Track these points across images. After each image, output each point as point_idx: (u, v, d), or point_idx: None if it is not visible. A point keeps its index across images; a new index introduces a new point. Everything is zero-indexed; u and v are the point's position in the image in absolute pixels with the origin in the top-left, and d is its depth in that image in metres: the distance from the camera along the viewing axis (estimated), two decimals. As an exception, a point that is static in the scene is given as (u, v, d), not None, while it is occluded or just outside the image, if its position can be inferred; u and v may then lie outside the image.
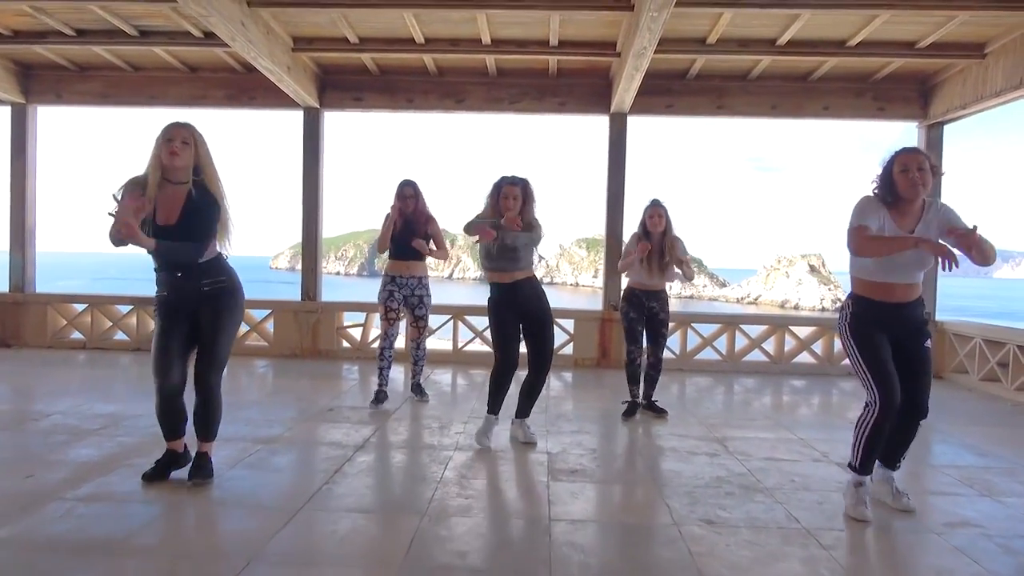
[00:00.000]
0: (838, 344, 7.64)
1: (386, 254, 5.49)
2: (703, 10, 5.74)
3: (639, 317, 5.19)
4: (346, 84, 7.74)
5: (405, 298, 5.37)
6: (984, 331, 6.93)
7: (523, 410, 4.47)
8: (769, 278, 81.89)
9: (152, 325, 7.78)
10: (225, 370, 3.51)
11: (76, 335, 8.11)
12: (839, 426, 5.15)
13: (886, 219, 3.17)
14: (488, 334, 5.05)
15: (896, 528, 3.11)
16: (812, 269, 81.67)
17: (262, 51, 6.13)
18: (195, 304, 3.35)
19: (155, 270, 3.36)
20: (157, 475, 3.42)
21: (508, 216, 4.11)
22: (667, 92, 7.55)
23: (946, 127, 7.48)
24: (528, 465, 3.98)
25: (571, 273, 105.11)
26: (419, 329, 5.53)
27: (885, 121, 7.66)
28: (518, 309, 4.28)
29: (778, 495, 3.51)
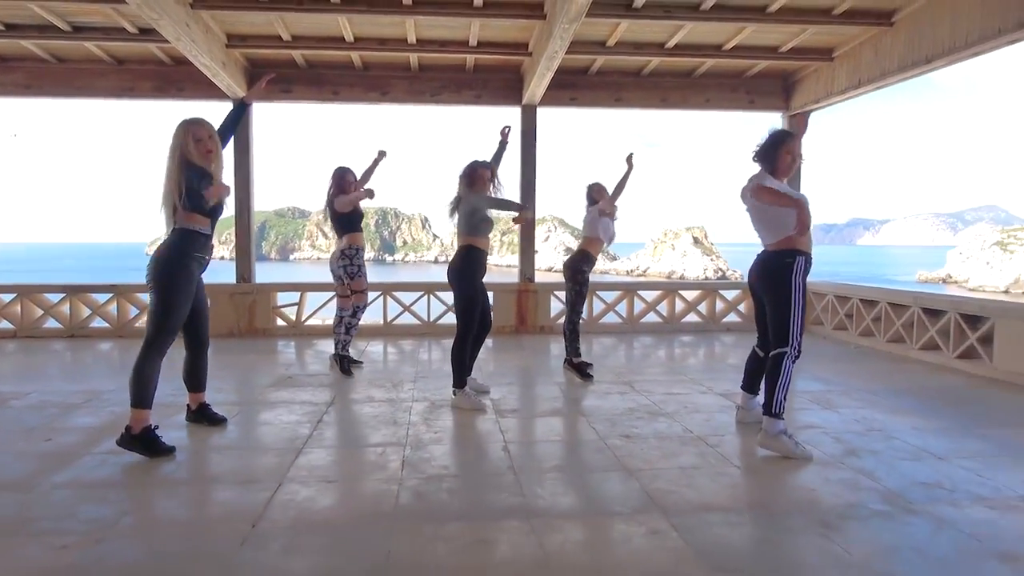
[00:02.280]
0: (720, 304, 8.94)
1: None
2: (605, 20, 6.65)
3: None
4: (275, 77, 8.17)
5: (359, 267, 5.94)
6: (835, 289, 8.33)
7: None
8: (656, 251, 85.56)
9: (84, 312, 8.09)
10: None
11: (5, 324, 8.22)
12: (720, 369, 6.29)
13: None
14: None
15: (758, 433, 4.17)
16: (696, 241, 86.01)
17: (202, 49, 6.55)
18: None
19: (193, 250, 3.84)
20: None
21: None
22: (571, 87, 8.46)
23: (770, 128, 8.81)
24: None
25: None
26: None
27: (756, 112, 8.90)
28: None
29: (676, 417, 4.53)
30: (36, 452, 3.80)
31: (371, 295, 8.47)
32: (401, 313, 8.56)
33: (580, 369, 5.84)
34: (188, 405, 4.37)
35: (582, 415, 4.62)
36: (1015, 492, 3.19)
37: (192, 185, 3.73)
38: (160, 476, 3.44)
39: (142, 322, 8.35)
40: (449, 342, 5.11)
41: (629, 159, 6.11)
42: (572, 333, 6.00)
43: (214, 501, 3.13)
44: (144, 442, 3.66)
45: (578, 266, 5.93)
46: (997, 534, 2.76)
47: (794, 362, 3.83)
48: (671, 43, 7.42)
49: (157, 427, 3.75)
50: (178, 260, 3.78)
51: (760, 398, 4.29)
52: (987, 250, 61.08)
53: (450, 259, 5.00)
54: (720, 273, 75.51)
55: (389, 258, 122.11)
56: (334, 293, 8.52)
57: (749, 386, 4.40)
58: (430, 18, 6.64)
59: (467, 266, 4.85)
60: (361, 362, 6.46)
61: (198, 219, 3.85)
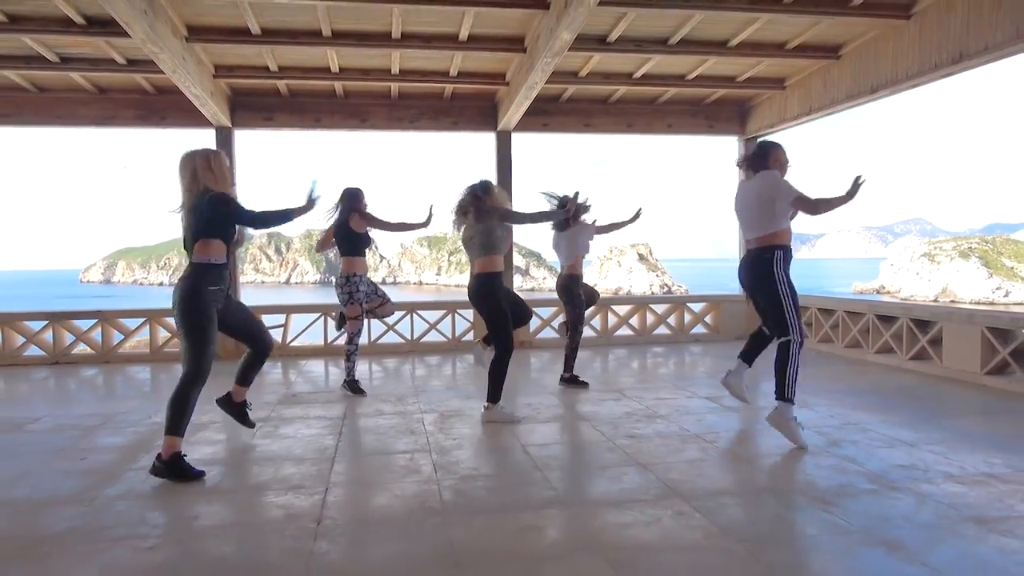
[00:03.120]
0: (688, 317, 9.46)
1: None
2: (581, 53, 7.13)
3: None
4: (257, 105, 8.41)
5: (366, 294, 6.11)
6: (793, 300, 8.94)
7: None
8: (603, 268, 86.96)
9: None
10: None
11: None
12: (697, 376, 6.76)
13: None
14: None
15: (749, 429, 4.62)
16: (641, 258, 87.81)
17: (195, 80, 6.76)
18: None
19: (207, 284, 3.88)
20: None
21: None
22: (543, 113, 8.90)
23: (759, 140, 9.46)
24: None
25: (414, 272, 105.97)
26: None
27: (714, 136, 9.53)
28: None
29: (671, 419, 4.95)
30: (78, 470, 3.97)
31: (398, 315, 8.75)
32: (385, 332, 8.80)
33: (576, 381, 6.22)
34: (230, 393, 4.54)
35: (585, 420, 4.99)
36: (978, 470, 3.69)
37: (227, 213, 3.91)
38: (209, 487, 3.66)
39: (127, 347, 8.40)
40: (433, 359, 5.41)
41: (638, 213, 6.54)
42: (575, 351, 6.35)
43: (271, 504, 3.37)
44: (173, 468, 3.71)
45: (570, 287, 6.31)
46: (969, 503, 3.23)
47: (800, 347, 4.22)
48: (638, 73, 7.95)
49: (186, 455, 3.82)
50: (195, 299, 3.80)
51: (748, 370, 4.83)
52: (916, 261, 64.21)
53: (468, 287, 5.14)
54: (666, 288, 77.32)
55: (333, 279, 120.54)
56: (319, 315, 8.77)
57: (745, 356, 4.84)
58: (416, 51, 7.00)
59: (489, 289, 4.96)
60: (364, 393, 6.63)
61: (215, 248, 3.89)
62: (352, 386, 5.98)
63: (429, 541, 2.91)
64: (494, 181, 8.90)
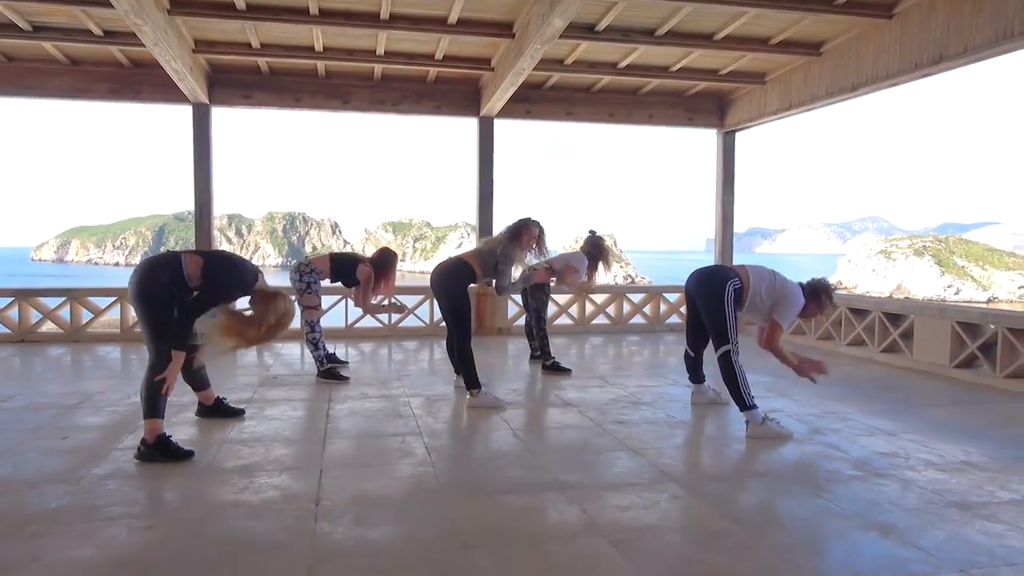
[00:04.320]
0: (663, 307, 9.57)
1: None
2: (568, 41, 7.12)
3: None
4: (236, 82, 8.24)
5: (308, 284, 5.96)
6: (767, 292, 9.11)
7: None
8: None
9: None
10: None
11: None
12: (673, 365, 6.84)
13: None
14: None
15: (733, 415, 4.70)
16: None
17: (175, 54, 6.59)
18: None
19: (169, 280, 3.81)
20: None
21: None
22: (526, 100, 8.88)
23: (737, 134, 9.60)
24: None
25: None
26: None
27: (694, 128, 9.63)
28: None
29: (657, 406, 5.02)
30: (60, 449, 3.88)
31: (331, 299, 8.69)
32: (362, 317, 8.73)
33: (557, 367, 6.26)
34: (200, 403, 4.52)
35: (572, 405, 5.03)
36: (956, 458, 3.82)
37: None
38: (201, 468, 3.61)
39: (94, 326, 8.20)
40: (410, 344, 5.38)
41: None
42: (545, 338, 6.42)
43: (268, 485, 3.34)
44: (161, 449, 3.65)
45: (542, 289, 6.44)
46: (951, 489, 3.34)
47: (739, 355, 4.37)
48: (623, 63, 7.99)
49: (171, 436, 3.76)
50: (152, 286, 3.76)
51: (707, 383, 5.04)
52: (872, 258, 65.72)
53: (439, 266, 5.25)
54: (630, 279, 77.92)
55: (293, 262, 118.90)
56: (340, 297, 8.63)
57: (694, 378, 5.09)
58: (403, 32, 6.92)
59: (462, 277, 5.08)
60: (345, 361, 6.62)
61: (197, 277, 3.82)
62: (330, 373, 5.82)
63: (433, 522, 2.92)
64: (476, 168, 8.92)
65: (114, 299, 8.15)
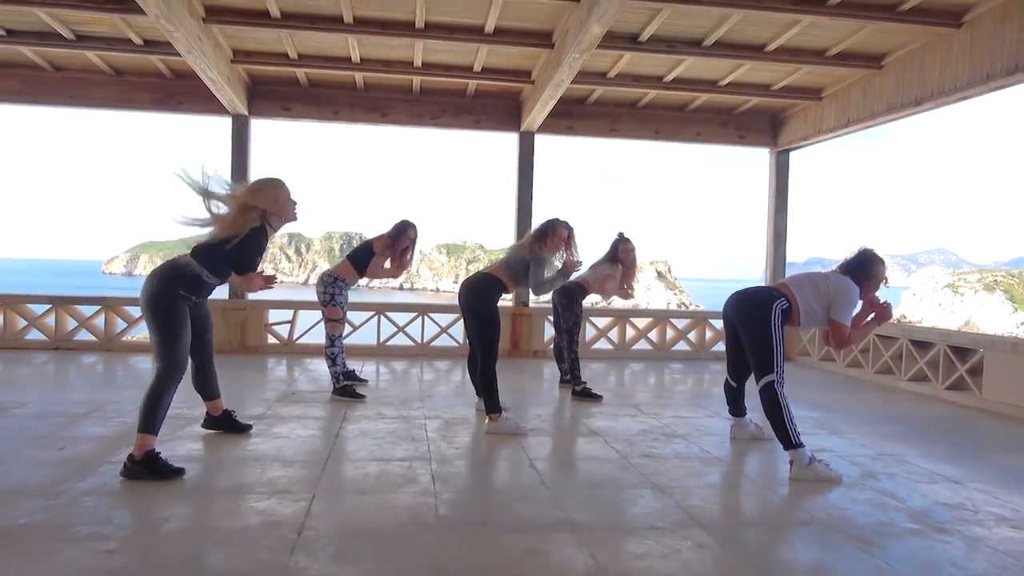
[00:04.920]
0: (708, 333, 9.09)
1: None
2: (610, 52, 6.83)
3: None
4: (275, 94, 8.20)
5: (332, 296, 5.75)
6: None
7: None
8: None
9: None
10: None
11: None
12: (717, 395, 6.34)
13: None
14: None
15: (776, 454, 4.26)
16: (660, 275, 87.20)
17: (210, 63, 6.55)
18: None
19: (180, 288, 3.65)
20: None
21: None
22: (568, 115, 8.62)
23: (791, 153, 9.11)
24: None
25: (431, 279, 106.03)
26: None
27: (744, 147, 9.19)
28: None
29: (691, 439, 4.60)
30: (53, 460, 3.70)
31: (364, 315, 8.52)
32: (395, 334, 8.52)
33: (588, 393, 5.89)
34: (208, 412, 4.32)
35: (598, 435, 4.66)
36: (1033, 512, 3.32)
37: (252, 248, 3.71)
38: (188, 487, 3.38)
39: (128, 336, 8.18)
40: (442, 364, 5.10)
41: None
42: (575, 362, 6.07)
43: (252, 510, 3.08)
44: (149, 466, 3.41)
45: (574, 293, 6.07)
46: (1028, 550, 2.86)
47: (784, 387, 3.91)
48: (669, 77, 7.65)
49: (160, 452, 3.52)
50: (165, 296, 3.59)
51: (749, 416, 4.59)
52: (939, 292, 63.14)
53: (467, 280, 4.97)
54: (683, 307, 76.61)
55: (356, 284, 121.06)
56: (373, 313, 8.47)
57: (735, 411, 4.64)
58: (440, 43, 6.74)
59: (491, 291, 4.78)
60: (365, 380, 6.37)
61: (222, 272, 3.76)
62: (345, 391, 5.56)
63: (419, 560, 2.60)
64: (515, 184, 8.66)
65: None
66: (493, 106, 8.56)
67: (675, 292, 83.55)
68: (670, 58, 7.10)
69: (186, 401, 4.59)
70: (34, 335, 8.05)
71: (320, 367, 7.30)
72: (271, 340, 8.34)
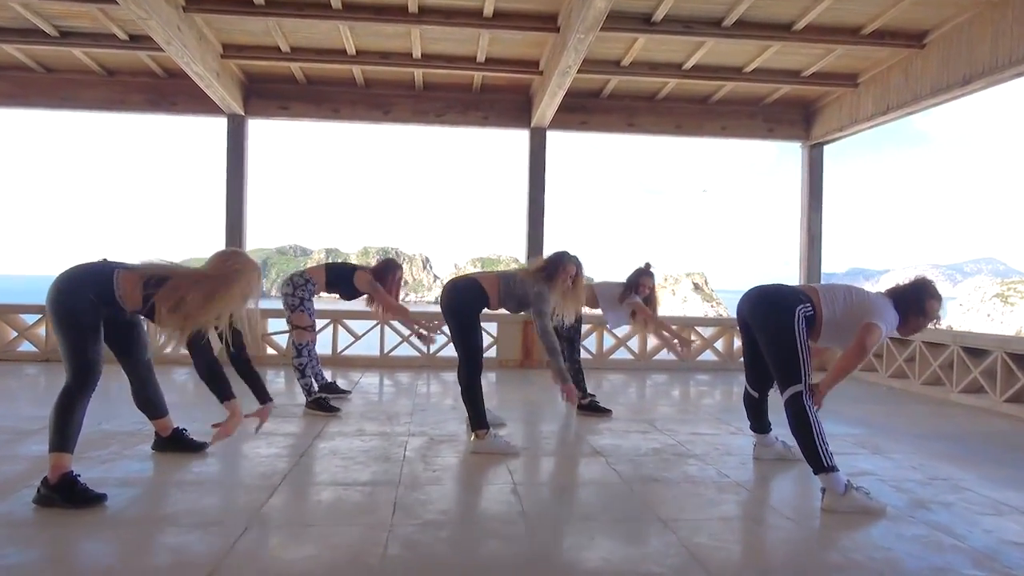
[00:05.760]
0: (737, 342, 8.41)
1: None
2: (621, 34, 6.29)
3: None
4: (272, 92, 7.83)
5: (301, 300, 5.25)
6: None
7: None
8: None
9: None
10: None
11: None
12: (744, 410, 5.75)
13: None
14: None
15: (809, 477, 3.63)
16: (696, 287, 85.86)
17: (195, 56, 6.17)
18: None
19: (89, 292, 3.20)
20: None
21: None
22: (582, 109, 8.09)
23: (826, 147, 8.43)
24: (481, 445, 4.27)
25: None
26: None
27: (774, 141, 8.54)
28: None
29: (707, 459, 3.99)
30: (-33, 484, 3.25)
31: (366, 324, 8.05)
32: (399, 344, 8.02)
33: (594, 407, 5.31)
34: (156, 433, 3.85)
35: (601, 455, 4.07)
36: None
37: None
38: (105, 515, 2.89)
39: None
40: (450, 376, 4.57)
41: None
42: (579, 372, 5.50)
43: (163, 546, 2.58)
44: (64, 491, 2.94)
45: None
46: None
47: (811, 399, 3.29)
48: (689, 64, 7.07)
49: (79, 475, 3.05)
50: (70, 296, 3.14)
51: (774, 433, 3.97)
52: (987, 302, 60.94)
53: (451, 281, 4.44)
54: (729, 317, 75.15)
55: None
56: (328, 321, 8.06)
57: (758, 427, 4.03)
58: (437, 28, 6.28)
59: (470, 299, 4.24)
60: (348, 392, 5.87)
61: (136, 304, 3.23)
62: (319, 404, 5.05)
63: (341, 619, 2.06)
64: (527, 184, 8.13)
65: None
66: (501, 101, 8.06)
67: (712, 304, 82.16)
68: (688, 41, 6.53)
69: (141, 416, 4.12)
70: (25, 346, 7.75)
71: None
72: (270, 351, 7.91)
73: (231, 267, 3.32)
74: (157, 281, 3.22)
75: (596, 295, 5.61)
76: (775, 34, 6.31)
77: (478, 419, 4.09)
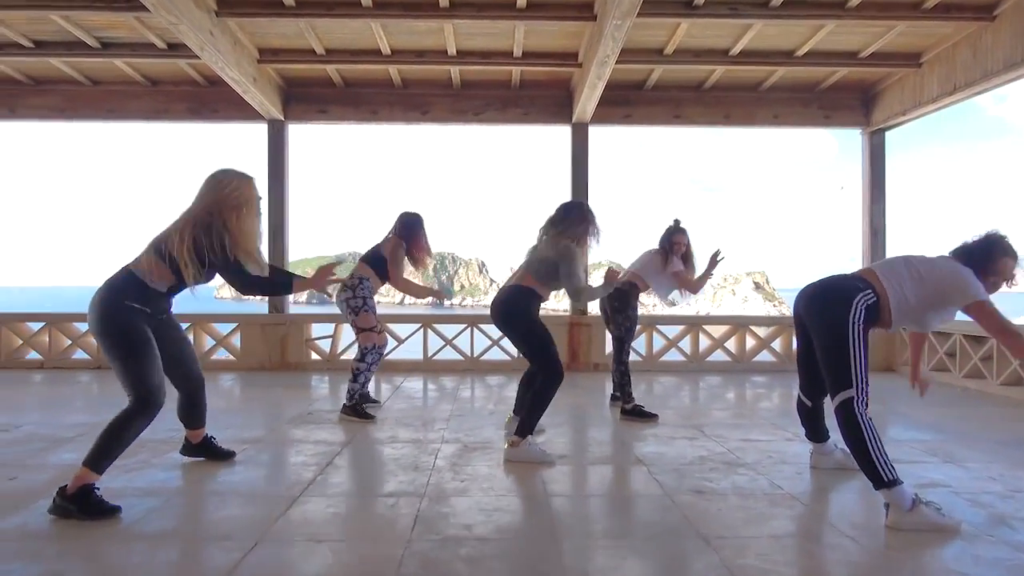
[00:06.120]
0: (796, 342, 7.97)
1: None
2: (662, 20, 6.00)
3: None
4: (311, 97, 7.79)
5: (364, 300, 5.03)
6: (930, 324, 7.31)
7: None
8: (716, 296, 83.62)
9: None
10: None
11: (33, 355, 7.88)
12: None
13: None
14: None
15: (871, 490, 3.29)
16: (757, 286, 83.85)
17: (229, 61, 6.16)
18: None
19: (131, 299, 3.10)
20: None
21: None
22: (625, 103, 7.81)
23: (887, 133, 7.94)
24: (516, 453, 4.06)
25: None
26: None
27: (831, 128, 8.09)
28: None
29: (759, 468, 3.68)
30: (-8, 493, 3.21)
31: (410, 328, 7.93)
32: (443, 347, 7.88)
33: (640, 412, 5.03)
34: (186, 439, 3.75)
35: (643, 464, 3.81)
36: None
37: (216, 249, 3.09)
38: (115, 530, 2.78)
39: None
40: (494, 379, 4.37)
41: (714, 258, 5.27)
42: (625, 375, 5.22)
43: (166, 563, 2.45)
44: (80, 502, 2.86)
45: (626, 298, 5.22)
46: None
47: (868, 407, 2.95)
48: (736, 49, 6.72)
49: (98, 488, 2.95)
50: (116, 311, 3.04)
51: (833, 440, 3.57)
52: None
53: (495, 299, 4.15)
54: (786, 315, 73.16)
55: (447, 302, 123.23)
56: (419, 325, 7.90)
57: (814, 436, 3.69)
58: (470, 22, 6.11)
59: (525, 302, 4.00)
60: (377, 401, 5.66)
61: (166, 275, 3.13)
62: (355, 411, 4.91)
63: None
64: (569, 180, 7.89)
65: (187, 324, 7.82)
66: (542, 97, 7.85)
67: (774, 303, 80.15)
68: (734, 24, 6.19)
69: (170, 423, 4.05)
70: (79, 354, 7.89)
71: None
72: (313, 356, 7.87)
73: (229, 193, 3.18)
74: (167, 243, 3.11)
75: (640, 275, 5.32)
76: (829, 12, 5.92)
77: (528, 425, 3.87)
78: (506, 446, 3.93)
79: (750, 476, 3.53)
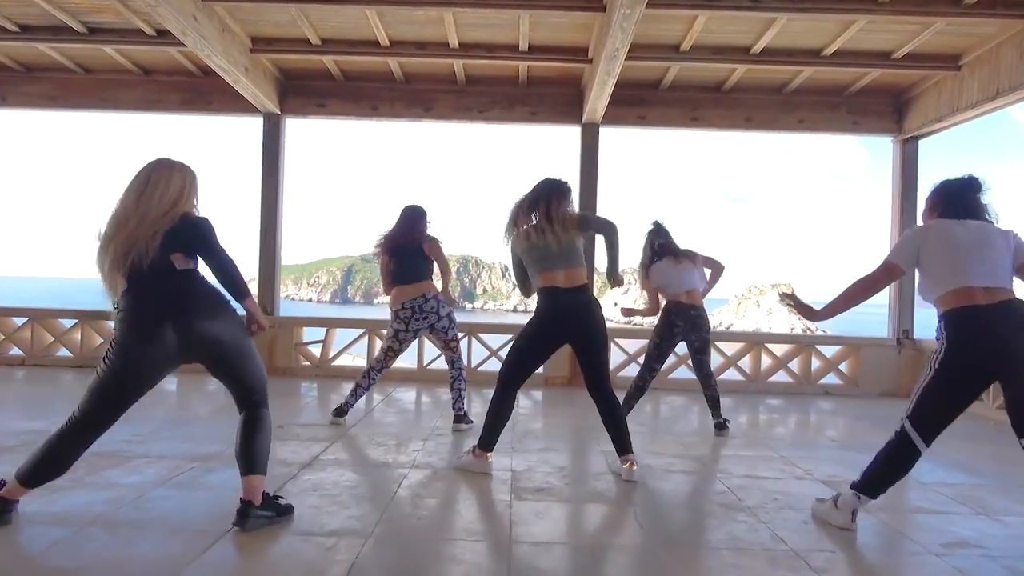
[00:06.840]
0: (816, 362, 7.46)
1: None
2: (677, 12, 5.56)
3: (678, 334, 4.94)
4: (309, 90, 7.46)
5: (421, 323, 5.01)
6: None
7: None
8: (740, 307, 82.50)
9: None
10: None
11: (15, 351, 7.62)
12: (821, 444, 4.92)
13: None
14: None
15: (891, 549, 2.83)
16: (782, 298, 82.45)
17: (216, 49, 5.82)
18: None
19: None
20: None
21: None
22: (640, 103, 7.36)
23: (921, 141, 7.39)
24: (490, 484, 3.62)
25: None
26: (451, 348, 5.20)
27: (860, 135, 7.57)
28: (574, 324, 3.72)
29: (760, 514, 3.21)
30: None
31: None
32: (437, 357, 7.47)
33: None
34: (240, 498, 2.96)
35: (630, 504, 3.35)
36: None
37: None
38: (17, 563, 2.41)
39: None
40: (489, 391, 3.95)
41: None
42: (641, 390, 4.88)
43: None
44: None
45: (660, 323, 4.99)
46: None
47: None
48: (758, 47, 6.24)
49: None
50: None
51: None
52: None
53: (584, 299, 3.76)
54: (808, 333, 71.73)
55: (468, 306, 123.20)
56: (363, 331, 7.59)
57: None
58: (470, 11, 5.72)
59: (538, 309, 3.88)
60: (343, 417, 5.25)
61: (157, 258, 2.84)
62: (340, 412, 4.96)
63: None
64: (578, 185, 7.45)
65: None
66: (551, 95, 7.42)
67: (800, 317, 78.73)
68: (756, 18, 5.72)
69: (132, 437, 3.68)
70: (62, 352, 7.61)
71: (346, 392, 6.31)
72: (303, 362, 7.51)
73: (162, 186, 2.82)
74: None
75: (658, 284, 5.00)
76: (860, 7, 5.43)
77: (625, 443, 3.73)
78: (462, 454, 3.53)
79: (749, 524, 3.06)
